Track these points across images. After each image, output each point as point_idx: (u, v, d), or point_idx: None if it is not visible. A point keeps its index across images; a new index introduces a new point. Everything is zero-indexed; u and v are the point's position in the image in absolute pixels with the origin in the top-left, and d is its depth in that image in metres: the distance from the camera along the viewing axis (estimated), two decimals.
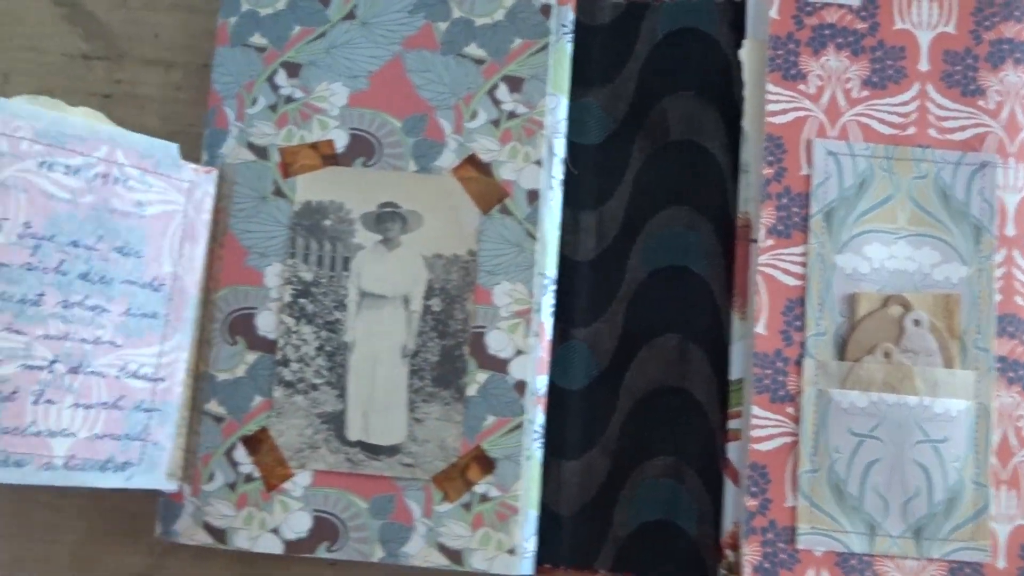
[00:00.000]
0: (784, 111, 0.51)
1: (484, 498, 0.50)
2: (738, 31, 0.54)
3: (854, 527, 0.49)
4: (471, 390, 0.51)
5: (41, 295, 0.48)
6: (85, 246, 0.49)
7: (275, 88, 0.53)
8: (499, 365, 0.51)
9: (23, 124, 0.47)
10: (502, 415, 0.51)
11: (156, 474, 0.49)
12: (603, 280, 0.54)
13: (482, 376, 0.51)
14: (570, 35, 0.54)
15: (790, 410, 0.50)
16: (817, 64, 0.52)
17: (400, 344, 0.51)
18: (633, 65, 0.55)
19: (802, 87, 0.52)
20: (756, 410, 0.50)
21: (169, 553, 0.54)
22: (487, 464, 0.50)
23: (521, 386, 0.51)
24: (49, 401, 0.48)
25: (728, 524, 0.50)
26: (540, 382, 0.52)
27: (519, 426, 0.50)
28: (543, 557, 0.52)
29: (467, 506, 0.50)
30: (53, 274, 0.48)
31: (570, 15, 0.54)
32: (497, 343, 0.51)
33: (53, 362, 0.49)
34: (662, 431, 0.53)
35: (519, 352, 0.51)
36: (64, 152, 0.48)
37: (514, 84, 0.53)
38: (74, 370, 0.48)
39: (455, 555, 0.50)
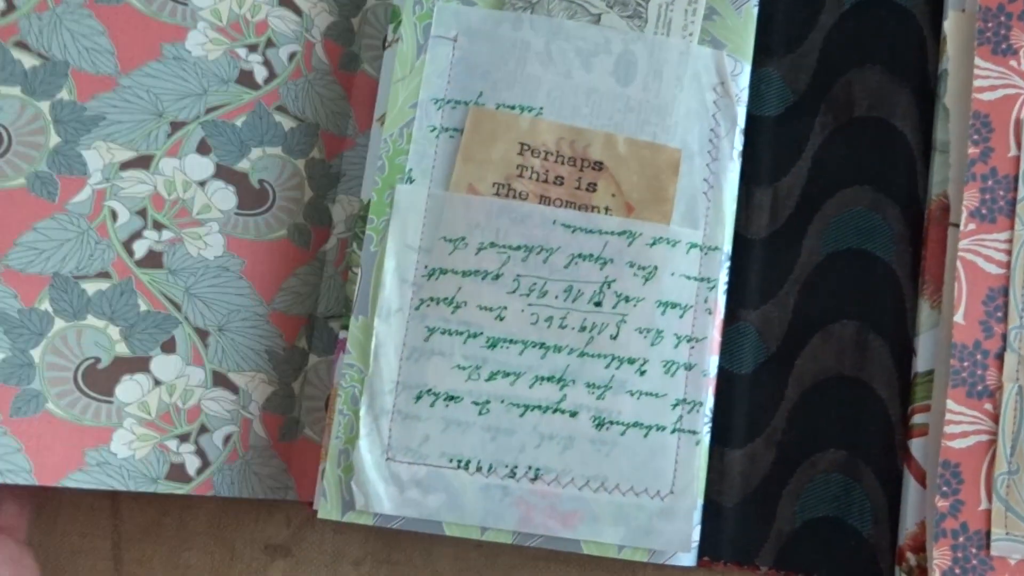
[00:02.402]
0: (993, 88, 0.48)
1: None
2: (935, 3, 0.51)
3: None
4: None
5: None
6: None
7: None
8: None
9: None
10: None
11: None
12: (775, 260, 0.51)
13: None
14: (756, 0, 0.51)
15: (988, 407, 0.46)
16: None
17: None
18: (816, 35, 0.52)
19: (1013, 63, 0.48)
20: (951, 404, 0.46)
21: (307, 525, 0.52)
22: None
23: None
24: None
25: (909, 525, 0.47)
26: (712, 363, 0.49)
27: None
28: (703, 549, 0.49)
29: None
30: None
31: None
32: None
33: None
34: (834, 423, 0.49)
35: None
36: None
37: None
38: None
39: None
